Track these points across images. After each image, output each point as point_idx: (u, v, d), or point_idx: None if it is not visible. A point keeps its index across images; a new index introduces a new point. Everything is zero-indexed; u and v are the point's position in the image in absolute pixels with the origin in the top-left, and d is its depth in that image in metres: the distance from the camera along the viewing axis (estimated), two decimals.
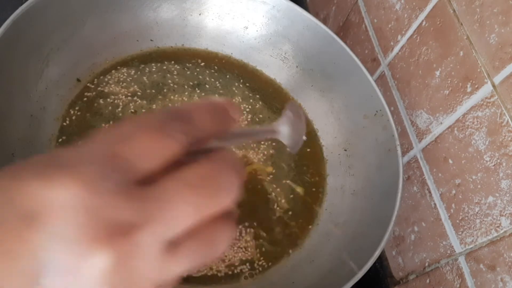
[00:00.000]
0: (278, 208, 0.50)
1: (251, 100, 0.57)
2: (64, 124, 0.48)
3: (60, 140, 0.47)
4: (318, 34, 0.55)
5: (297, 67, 0.58)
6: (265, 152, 0.52)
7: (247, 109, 0.56)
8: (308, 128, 0.57)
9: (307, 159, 0.54)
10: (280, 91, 0.59)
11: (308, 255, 0.47)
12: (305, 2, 0.77)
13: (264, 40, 0.59)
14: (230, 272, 0.45)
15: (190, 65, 0.57)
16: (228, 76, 0.58)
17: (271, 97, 0.58)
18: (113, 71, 0.53)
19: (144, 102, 0.52)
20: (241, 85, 0.57)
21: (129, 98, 0.52)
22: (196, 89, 0.55)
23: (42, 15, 0.46)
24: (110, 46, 0.53)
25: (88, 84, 0.51)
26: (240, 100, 0.56)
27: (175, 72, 0.56)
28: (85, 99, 0.50)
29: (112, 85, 0.52)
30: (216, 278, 0.44)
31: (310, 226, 0.50)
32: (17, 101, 0.44)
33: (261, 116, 0.56)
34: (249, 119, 0.55)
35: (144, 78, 0.54)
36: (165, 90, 0.54)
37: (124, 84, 0.53)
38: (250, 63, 0.60)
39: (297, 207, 0.51)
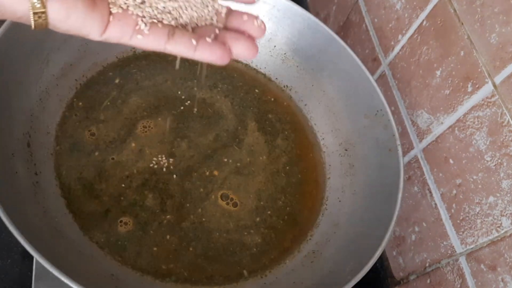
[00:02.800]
0: (278, 209, 0.50)
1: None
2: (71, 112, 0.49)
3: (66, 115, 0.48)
4: (319, 33, 0.55)
5: (297, 67, 0.58)
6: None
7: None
8: (308, 128, 0.57)
9: (306, 163, 0.54)
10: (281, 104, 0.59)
11: (308, 255, 0.47)
12: (305, 2, 0.77)
13: (264, 40, 0.58)
14: (230, 273, 0.45)
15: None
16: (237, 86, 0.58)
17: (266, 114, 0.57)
18: (134, 63, 0.54)
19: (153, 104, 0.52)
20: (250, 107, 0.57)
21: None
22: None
23: None
24: (110, 45, 0.53)
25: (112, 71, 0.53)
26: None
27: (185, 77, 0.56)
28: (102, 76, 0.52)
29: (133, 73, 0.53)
30: (215, 279, 0.44)
31: (310, 227, 0.50)
32: (17, 101, 0.44)
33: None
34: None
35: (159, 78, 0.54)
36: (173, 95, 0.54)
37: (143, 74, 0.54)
38: (250, 63, 0.59)
39: (297, 208, 0.51)
